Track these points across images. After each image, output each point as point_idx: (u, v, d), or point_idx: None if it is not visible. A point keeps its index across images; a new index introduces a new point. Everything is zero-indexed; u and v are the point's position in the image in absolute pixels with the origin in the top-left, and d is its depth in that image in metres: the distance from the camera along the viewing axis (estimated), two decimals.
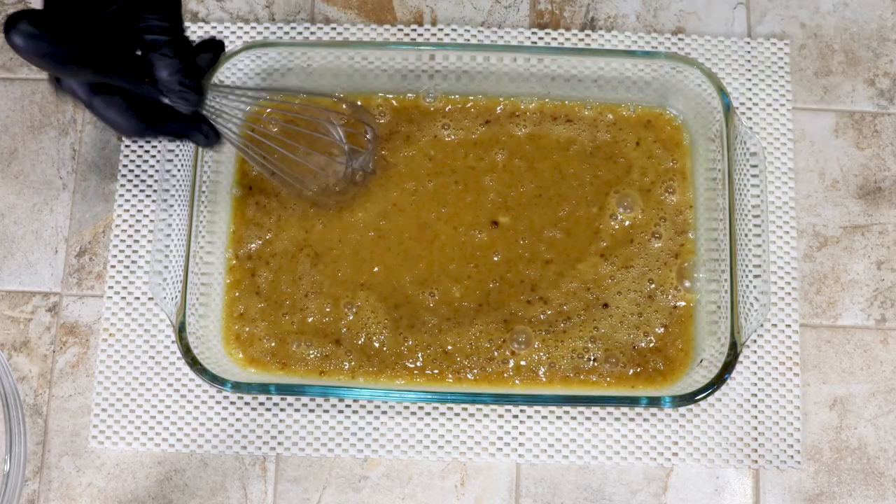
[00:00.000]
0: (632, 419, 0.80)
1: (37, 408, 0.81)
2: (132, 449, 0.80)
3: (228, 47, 0.86)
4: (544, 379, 0.79)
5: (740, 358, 0.79)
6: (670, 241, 0.82)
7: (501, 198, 0.83)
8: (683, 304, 0.80)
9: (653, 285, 0.81)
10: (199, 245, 0.77)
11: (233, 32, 0.88)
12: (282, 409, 0.80)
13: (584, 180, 0.83)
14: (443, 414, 0.80)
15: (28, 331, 0.82)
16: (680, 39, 0.88)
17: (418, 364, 0.79)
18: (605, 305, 0.80)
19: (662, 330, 0.80)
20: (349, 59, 0.81)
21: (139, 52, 0.64)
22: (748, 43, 0.88)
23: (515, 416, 0.80)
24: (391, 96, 0.84)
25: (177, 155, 0.78)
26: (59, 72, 0.61)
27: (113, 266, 0.83)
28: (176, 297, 0.75)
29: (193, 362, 0.73)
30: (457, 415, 0.80)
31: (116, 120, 0.65)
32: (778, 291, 0.83)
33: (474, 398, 0.75)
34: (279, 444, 0.79)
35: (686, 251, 0.81)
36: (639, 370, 0.79)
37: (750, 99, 0.87)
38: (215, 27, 0.89)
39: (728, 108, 0.77)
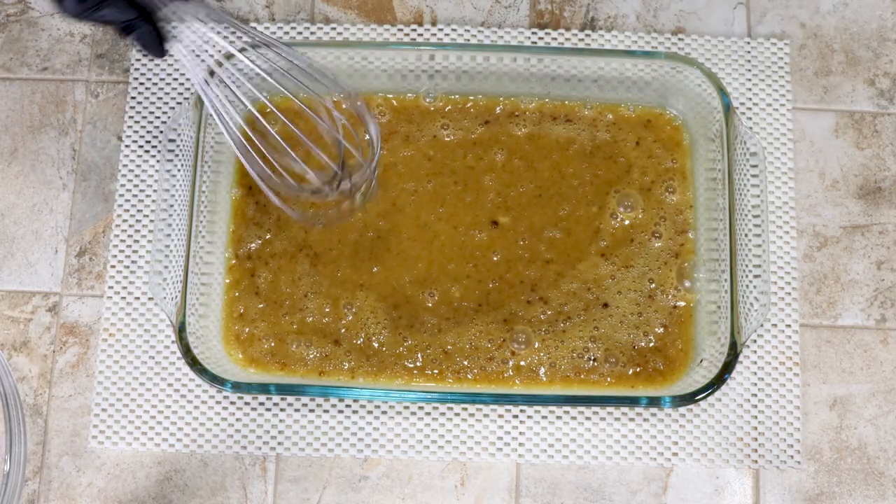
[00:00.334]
0: (632, 419, 0.80)
1: (37, 408, 0.81)
2: (132, 449, 0.80)
3: (229, 47, 0.85)
4: (544, 379, 0.79)
5: (740, 358, 0.79)
6: (670, 241, 0.82)
7: (501, 198, 0.83)
8: (683, 304, 0.80)
9: (653, 285, 0.81)
10: (199, 245, 0.77)
11: (232, 32, 0.88)
12: (282, 409, 0.80)
13: (584, 180, 0.83)
14: (443, 414, 0.80)
15: (28, 331, 0.82)
16: (680, 39, 0.88)
17: (418, 364, 0.79)
18: (605, 305, 0.80)
19: (662, 330, 0.80)
20: (349, 59, 0.81)
21: None
22: (748, 43, 0.88)
23: (515, 416, 0.80)
24: (391, 96, 0.84)
25: (177, 155, 0.78)
26: None
27: (113, 266, 0.83)
28: (176, 297, 0.75)
29: (193, 362, 0.73)
30: (457, 415, 0.80)
31: None
32: (778, 291, 0.83)
33: (474, 398, 0.75)
34: (279, 444, 0.79)
35: (686, 251, 0.81)
36: (639, 370, 0.79)
37: (750, 99, 0.87)
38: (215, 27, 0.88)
39: (728, 108, 0.77)
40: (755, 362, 0.81)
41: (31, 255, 0.84)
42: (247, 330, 0.80)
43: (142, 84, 0.87)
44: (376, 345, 0.79)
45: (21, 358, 0.82)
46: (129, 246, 0.84)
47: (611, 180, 0.83)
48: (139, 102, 0.87)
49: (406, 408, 0.80)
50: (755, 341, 0.81)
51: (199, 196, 0.77)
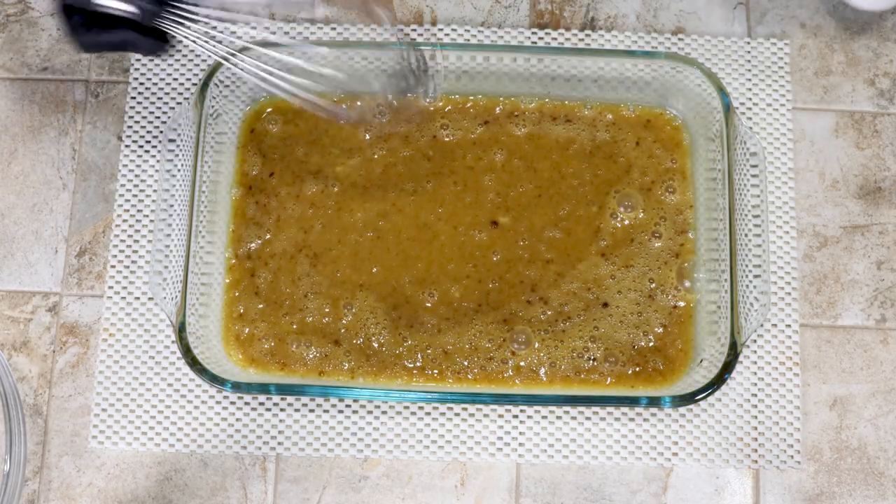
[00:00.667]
0: (632, 419, 0.80)
1: (37, 408, 0.81)
2: (132, 449, 0.80)
3: (229, 48, 0.86)
4: (544, 379, 0.79)
5: (740, 358, 0.79)
6: (670, 241, 0.82)
7: (501, 198, 0.83)
8: (683, 303, 0.80)
9: (653, 285, 0.81)
10: (199, 245, 0.77)
11: (232, 32, 0.88)
12: (282, 409, 0.80)
13: (584, 180, 0.83)
14: (443, 414, 0.80)
15: (28, 331, 0.82)
16: (680, 39, 0.88)
17: (418, 364, 0.79)
18: (605, 305, 0.80)
19: (662, 330, 0.80)
20: (349, 59, 0.81)
21: None
22: (748, 43, 0.88)
23: (515, 416, 0.80)
24: (391, 96, 0.84)
25: (177, 155, 0.78)
26: None
27: (113, 266, 0.83)
28: (176, 297, 0.75)
29: (193, 362, 0.73)
30: (457, 415, 0.80)
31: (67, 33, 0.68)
32: (778, 291, 0.83)
33: (474, 398, 0.75)
34: (279, 444, 0.80)
35: (686, 251, 0.81)
36: (638, 370, 0.79)
37: (750, 99, 0.87)
38: (214, 27, 0.88)
39: (728, 108, 0.77)
40: (755, 362, 0.81)
41: (31, 255, 0.84)
42: (247, 330, 0.80)
43: (142, 84, 0.87)
44: (376, 345, 0.79)
45: (21, 358, 0.82)
46: (129, 246, 0.84)
47: (611, 180, 0.83)
48: (139, 102, 0.87)
49: (406, 408, 0.80)
50: (755, 341, 0.81)
51: (199, 196, 0.77)
